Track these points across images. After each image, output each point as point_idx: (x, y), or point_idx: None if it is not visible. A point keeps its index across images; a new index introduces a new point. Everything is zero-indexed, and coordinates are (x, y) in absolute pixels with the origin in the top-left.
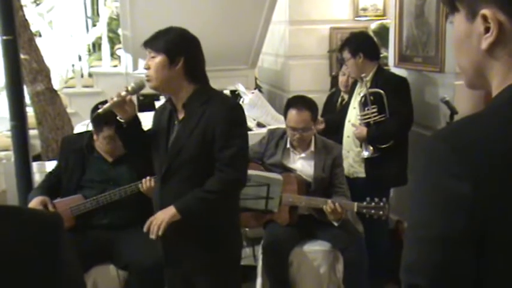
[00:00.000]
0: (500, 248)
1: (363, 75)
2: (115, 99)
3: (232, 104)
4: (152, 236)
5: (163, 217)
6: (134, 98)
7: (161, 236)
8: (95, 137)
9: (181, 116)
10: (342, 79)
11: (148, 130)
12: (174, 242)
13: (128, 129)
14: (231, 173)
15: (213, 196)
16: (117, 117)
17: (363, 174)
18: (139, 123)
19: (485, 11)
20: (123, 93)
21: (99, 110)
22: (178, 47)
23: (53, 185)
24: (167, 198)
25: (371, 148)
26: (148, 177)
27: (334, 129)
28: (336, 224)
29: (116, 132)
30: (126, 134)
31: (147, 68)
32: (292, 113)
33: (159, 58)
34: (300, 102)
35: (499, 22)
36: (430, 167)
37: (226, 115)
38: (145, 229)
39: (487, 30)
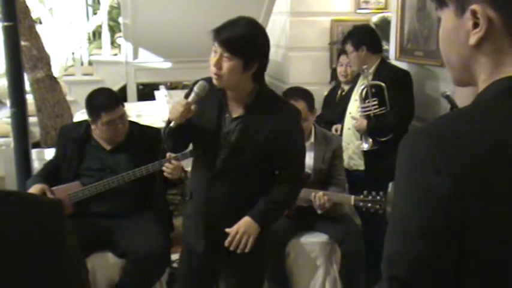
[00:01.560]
0: (480, 243)
1: (365, 67)
2: (181, 110)
3: (297, 113)
4: (238, 251)
5: (248, 232)
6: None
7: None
8: (92, 126)
9: (235, 113)
10: (339, 69)
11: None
12: (222, 235)
13: (178, 129)
14: (300, 186)
15: (282, 206)
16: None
17: (362, 167)
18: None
19: (474, 7)
20: (190, 100)
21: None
22: (255, 52)
23: (52, 173)
24: (216, 196)
25: (370, 140)
26: (168, 156)
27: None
28: (318, 211)
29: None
30: (176, 132)
31: (219, 67)
32: None
33: (234, 62)
34: (296, 93)
35: (489, 18)
36: (412, 162)
37: (295, 126)
38: (226, 244)
39: (475, 25)
